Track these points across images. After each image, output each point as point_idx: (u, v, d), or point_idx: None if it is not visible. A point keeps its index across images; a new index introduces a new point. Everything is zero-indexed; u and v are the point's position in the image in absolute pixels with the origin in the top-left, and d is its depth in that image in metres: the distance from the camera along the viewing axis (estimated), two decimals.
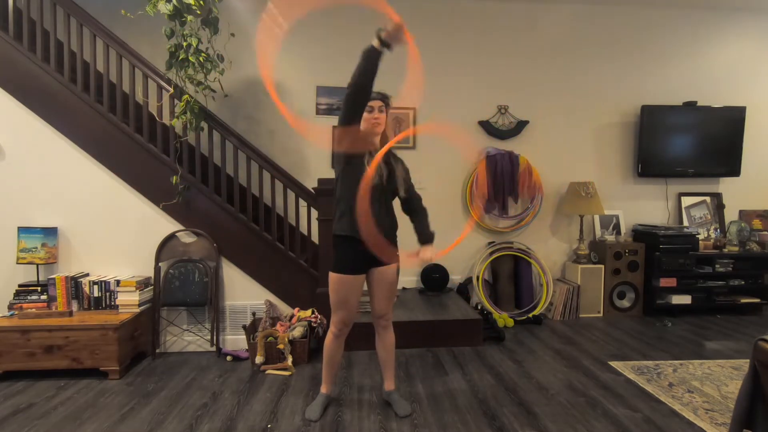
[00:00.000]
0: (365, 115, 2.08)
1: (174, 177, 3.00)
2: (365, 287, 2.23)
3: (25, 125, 2.97)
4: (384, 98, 2.13)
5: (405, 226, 2.29)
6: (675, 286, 3.99)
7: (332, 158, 2.10)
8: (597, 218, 4.32)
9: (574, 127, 4.30)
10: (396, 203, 2.25)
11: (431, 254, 2.15)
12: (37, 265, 2.95)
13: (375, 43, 1.85)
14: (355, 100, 1.93)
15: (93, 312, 2.94)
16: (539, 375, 2.76)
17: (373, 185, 2.04)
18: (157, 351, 3.09)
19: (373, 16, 4.00)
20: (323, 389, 2.34)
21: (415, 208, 2.27)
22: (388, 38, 1.85)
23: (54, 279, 2.89)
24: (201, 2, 2.80)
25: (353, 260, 2.11)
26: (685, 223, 4.37)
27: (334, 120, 4.02)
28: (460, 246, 4.20)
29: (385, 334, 2.29)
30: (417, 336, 3.23)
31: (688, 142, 4.26)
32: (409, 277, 4.21)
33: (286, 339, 2.86)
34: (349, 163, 2.08)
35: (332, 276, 2.14)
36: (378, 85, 1.92)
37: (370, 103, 2.08)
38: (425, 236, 2.21)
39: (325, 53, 4.00)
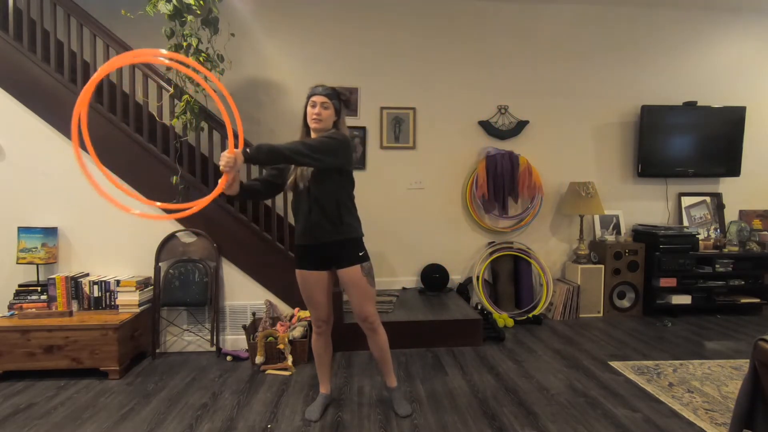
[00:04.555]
0: (309, 110, 2.07)
1: (174, 177, 3.00)
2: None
3: (25, 125, 2.98)
4: (330, 95, 2.07)
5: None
6: (675, 286, 3.99)
7: None
8: (597, 218, 4.32)
9: (574, 127, 4.30)
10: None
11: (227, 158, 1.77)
12: (37, 265, 2.95)
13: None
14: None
15: (93, 312, 2.94)
16: (539, 375, 2.76)
17: (300, 189, 2.06)
18: (157, 351, 3.09)
19: (373, 18, 4.02)
20: (321, 389, 2.34)
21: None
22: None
23: (54, 279, 2.89)
24: (201, 2, 2.80)
25: (304, 258, 2.13)
26: (685, 223, 4.37)
27: None
28: (461, 246, 4.24)
29: (375, 336, 2.23)
30: (417, 336, 3.23)
31: (688, 142, 4.26)
32: (409, 277, 4.22)
33: (286, 339, 2.86)
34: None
35: (296, 273, 2.18)
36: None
37: (313, 98, 2.06)
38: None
39: (326, 53, 4.01)
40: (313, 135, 2.10)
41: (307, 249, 2.12)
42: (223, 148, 3.21)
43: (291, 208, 2.16)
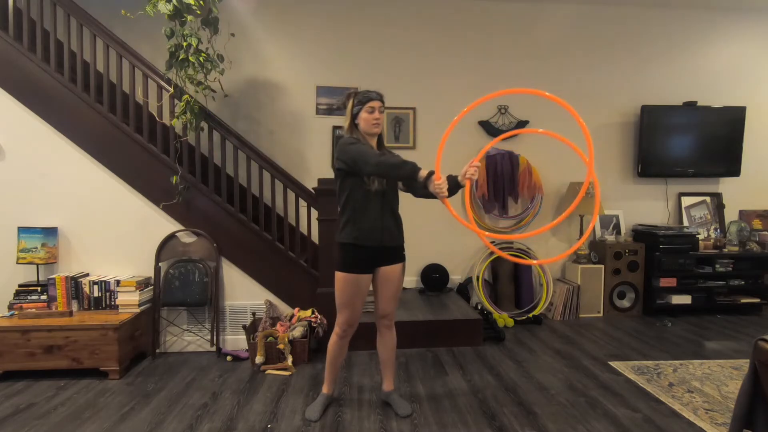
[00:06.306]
0: (366, 115, 2.11)
1: (174, 177, 3.00)
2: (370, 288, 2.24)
3: (25, 125, 2.97)
4: (382, 98, 2.16)
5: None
6: (675, 286, 3.99)
7: (333, 166, 2.13)
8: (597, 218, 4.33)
9: (574, 127, 4.27)
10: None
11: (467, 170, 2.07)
12: (37, 265, 2.95)
13: (422, 174, 1.97)
14: (368, 172, 2.00)
15: (93, 312, 2.94)
16: (539, 375, 2.76)
17: (374, 191, 2.08)
18: (157, 351, 3.09)
19: (373, 18, 4.02)
20: (324, 389, 2.34)
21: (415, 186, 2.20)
22: (429, 186, 1.95)
23: (54, 279, 2.89)
24: (201, 2, 2.80)
25: (360, 260, 2.12)
26: (685, 223, 4.37)
27: (333, 120, 4.02)
28: (460, 246, 4.24)
29: (388, 334, 2.28)
30: (417, 336, 3.22)
31: (688, 142, 4.26)
32: (409, 277, 4.21)
33: (286, 339, 2.86)
34: (350, 174, 2.08)
35: (339, 275, 2.14)
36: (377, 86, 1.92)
37: (371, 104, 2.11)
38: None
39: (326, 53, 4.01)
40: (368, 139, 2.14)
41: (366, 250, 2.11)
42: (224, 147, 3.21)
43: (351, 205, 2.09)
